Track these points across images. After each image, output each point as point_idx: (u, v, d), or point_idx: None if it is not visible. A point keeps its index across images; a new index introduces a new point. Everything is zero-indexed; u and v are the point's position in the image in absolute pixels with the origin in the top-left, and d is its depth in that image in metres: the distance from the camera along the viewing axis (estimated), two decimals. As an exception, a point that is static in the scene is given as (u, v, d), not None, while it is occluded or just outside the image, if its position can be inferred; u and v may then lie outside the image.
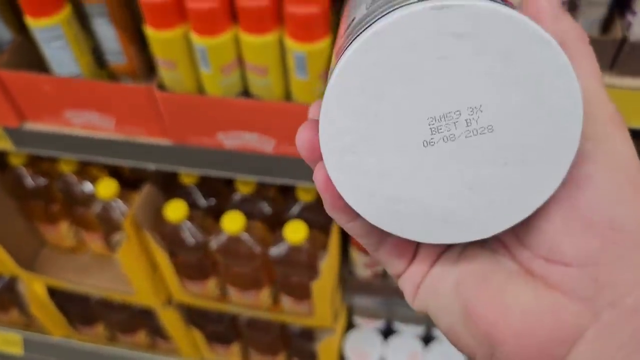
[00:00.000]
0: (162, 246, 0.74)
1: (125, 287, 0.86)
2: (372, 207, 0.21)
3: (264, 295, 0.80)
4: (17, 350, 1.03)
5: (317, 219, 0.75)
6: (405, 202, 0.21)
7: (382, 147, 0.20)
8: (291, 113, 0.55)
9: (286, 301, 0.80)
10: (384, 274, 0.83)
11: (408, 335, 0.97)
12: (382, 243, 0.24)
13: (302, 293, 0.77)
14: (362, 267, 0.81)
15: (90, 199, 0.80)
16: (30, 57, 0.62)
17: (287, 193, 0.79)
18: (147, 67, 0.62)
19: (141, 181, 0.79)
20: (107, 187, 0.76)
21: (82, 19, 0.58)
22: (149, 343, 1.01)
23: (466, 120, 0.19)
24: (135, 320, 0.96)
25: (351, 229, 0.23)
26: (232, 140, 0.60)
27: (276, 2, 0.50)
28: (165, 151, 0.64)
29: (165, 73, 0.57)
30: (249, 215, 0.72)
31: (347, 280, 0.83)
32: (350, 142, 0.20)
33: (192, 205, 0.76)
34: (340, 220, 0.23)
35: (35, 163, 0.82)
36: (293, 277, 0.75)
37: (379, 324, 0.98)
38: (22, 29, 0.61)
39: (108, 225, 0.80)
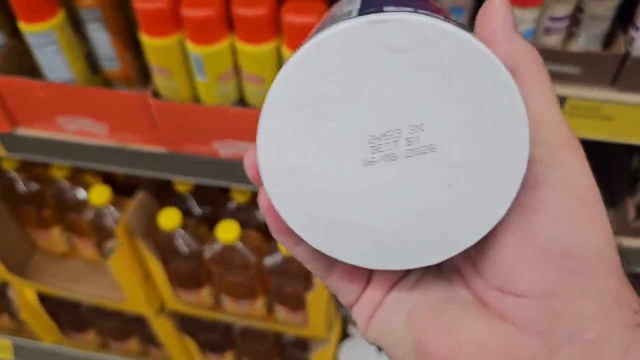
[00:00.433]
0: (155, 254, 0.74)
1: (117, 295, 0.85)
2: (314, 231, 0.20)
3: (259, 304, 0.79)
4: (7, 355, 1.02)
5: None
6: (348, 225, 0.20)
7: (322, 167, 0.19)
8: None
9: (281, 311, 0.79)
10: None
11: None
12: (331, 269, 0.23)
13: (296, 303, 0.76)
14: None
15: (82, 205, 0.79)
16: (23, 61, 0.61)
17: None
18: (142, 74, 0.61)
19: (135, 187, 0.78)
20: (99, 194, 0.75)
21: (76, 24, 0.57)
22: (141, 351, 1.00)
23: (407, 139, 0.19)
24: (127, 327, 0.95)
25: (297, 253, 0.22)
26: (227, 149, 0.59)
27: (273, 12, 0.49)
28: (160, 159, 0.63)
29: (160, 80, 0.56)
30: (244, 225, 0.71)
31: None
32: (288, 161, 0.19)
33: (187, 213, 0.75)
34: (285, 244, 0.22)
35: (27, 168, 0.81)
36: (288, 287, 0.74)
37: (374, 333, 0.97)
38: (15, 33, 0.60)
39: (100, 232, 0.79)
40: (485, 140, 0.18)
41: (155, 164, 0.64)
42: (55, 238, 0.88)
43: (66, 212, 0.82)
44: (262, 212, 0.21)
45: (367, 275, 0.23)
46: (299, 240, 0.21)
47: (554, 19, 0.48)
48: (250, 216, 0.76)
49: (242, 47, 0.50)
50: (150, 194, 0.77)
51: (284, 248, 0.22)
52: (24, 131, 0.65)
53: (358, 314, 0.23)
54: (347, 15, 0.18)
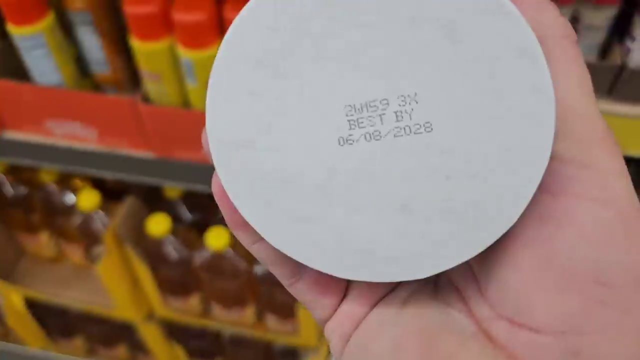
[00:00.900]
0: (144, 261, 0.73)
1: (105, 300, 0.84)
2: (275, 226, 0.16)
3: (249, 312, 0.78)
4: (-7, 361, 1.00)
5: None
6: (318, 221, 0.15)
7: (285, 144, 0.15)
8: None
9: (271, 319, 0.78)
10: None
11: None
12: (299, 275, 0.18)
13: (287, 311, 0.75)
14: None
15: (71, 209, 0.78)
16: (13, 64, 0.60)
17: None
18: (132, 78, 0.60)
19: (124, 192, 0.77)
20: (88, 199, 0.74)
21: (65, 27, 0.56)
22: (129, 357, 0.99)
23: (396, 113, 0.15)
24: (115, 333, 0.94)
25: (257, 253, 0.18)
26: (218, 155, 0.59)
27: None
28: (150, 164, 0.62)
29: (150, 85, 0.55)
30: (234, 232, 0.70)
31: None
32: (244, 132, 0.15)
33: (176, 219, 0.74)
34: (243, 240, 0.18)
35: (15, 171, 0.80)
36: (278, 295, 0.73)
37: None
38: (4, 35, 0.59)
39: (89, 237, 0.78)
40: (497, 122, 0.14)
41: (145, 170, 0.63)
42: (43, 242, 0.87)
43: (54, 216, 0.81)
44: (215, 198, 0.17)
45: (343, 286, 0.18)
46: (258, 237, 0.17)
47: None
48: (241, 223, 0.75)
49: (234, 52, 0.49)
50: (140, 200, 0.76)
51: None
52: (12, 134, 0.64)
53: (332, 332, 0.18)
54: None
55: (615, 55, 0.49)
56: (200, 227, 0.74)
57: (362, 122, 0.15)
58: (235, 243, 0.70)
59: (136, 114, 0.57)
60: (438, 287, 0.18)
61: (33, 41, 0.54)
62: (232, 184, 0.16)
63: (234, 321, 0.79)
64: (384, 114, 0.15)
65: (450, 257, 0.15)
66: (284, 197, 0.15)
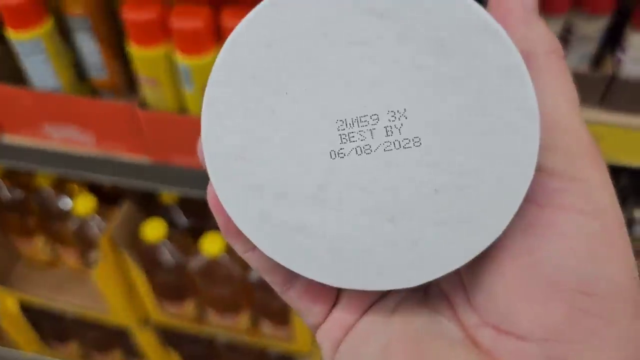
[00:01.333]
0: (139, 266, 0.73)
1: (100, 305, 0.84)
2: (268, 235, 0.16)
3: (243, 318, 0.78)
4: (-13, 365, 1.00)
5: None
6: (310, 231, 0.16)
7: (278, 155, 0.16)
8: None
9: (266, 325, 0.78)
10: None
11: None
12: (291, 282, 0.19)
13: (282, 317, 0.75)
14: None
15: (67, 214, 0.78)
16: (12, 67, 0.61)
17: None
18: (129, 83, 0.60)
19: (121, 196, 0.77)
20: (84, 204, 0.74)
21: (64, 33, 0.57)
22: (124, 362, 0.99)
23: (386, 128, 0.15)
24: (110, 339, 0.94)
25: (251, 261, 0.18)
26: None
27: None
28: (147, 170, 0.62)
29: (147, 90, 0.55)
30: (230, 237, 0.71)
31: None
32: (238, 144, 0.16)
33: (172, 224, 0.75)
34: (237, 248, 0.18)
35: (12, 175, 0.80)
36: (273, 301, 0.73)
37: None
38: (2, 40, 0.60)
39: (85, 242, 0.78)
40: (484, 137, 0.15)
41: (142, 175, 0.63)
42: (39, 247, 0.87)
43: (50, 221, 0.81)
44: (210, 207, 0.18)
45: (334, 293, 0.19)
46: (252, 245, 0.18)
47: (543, 39, 0.49)
48: (236, 229, 0.75)
49: (231, 59, 0.50)
50: (136, 205, 0.76)
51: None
52: (10, 138, 0.64)
53: (323, 338, 0.19)
54: None
55: (607, 66, 0.49)
56: (196, 233, 0.74)
57: (353, 137, 0.15)
58: (230, 249, 0.70)
59: (133, 119, 0.57)
60: (428, 294, 0.18)
61: (32, 46, 0.55)
62: (226, 194, 0.16)
63: (229, 327, 0.79)
64: (374, 128, 0.15)
65: (438, 267, 0.16)
66: (277, 207, 0.16)
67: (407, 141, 0.15)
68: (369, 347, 0.18)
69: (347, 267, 0.16)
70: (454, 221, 0.16)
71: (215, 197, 0.17)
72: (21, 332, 0.94)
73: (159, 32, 0.50)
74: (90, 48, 0.57)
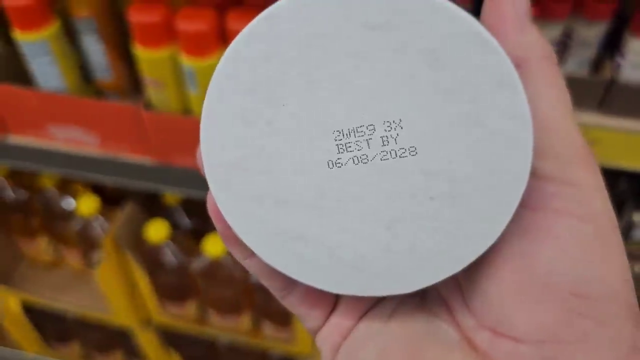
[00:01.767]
0: (142, 266, 0.73)
1: (103, 306, 0.85)
2: (267, 243, 0.17)
3: (245, 319, 0.78)
4: (-12, 365, 1.00)
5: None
6: (308, 238, 0.16)
7: (276, 165, 0.16)
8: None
9: (267, 327, 0.78)
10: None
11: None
12: (290, 288, 0.19)
13: (283, 319, 0.75)
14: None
15: (70, 214, 0.79)
16: (18, 68, 0.61)
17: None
18: (135, 84, 0.61)
19: (124, 197, 0.77)
20: (87, 204, 0.74)
21: (69, 34, 0.58)
22: (125, 363, 0.99)
23: (382, 137, 0.15)
24: (111, 340, 0.94)
25: (250, 267, 0.19)
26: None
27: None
28: (151, 171, 0.63)
29: (152, 92, 0.56)
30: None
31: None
32: (237, 155, 0.16)
33: (175, 225, 0.75)
34: (236, 255, 0.19)
35: (16, 175, 0.81)
36: (274, 303, 0.73)
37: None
38: (9, 41, 0.61)
39: (88, 242, 0.79)
40: (478, 145, 0.15)
41: (146, 176, 0.64)
42: (42, 247, 0.87)
43: (54, 221, 0.81)
44: (210, 215, 0.18)
45: (333, 299, 0.19)
46: (251, 252, 0.18)
47: (543, 44, 0.49)
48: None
49: (235, 61, 0.51)
50: (139, 206, 0.77)
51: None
52: (15, 139, 0.65)
53: (322, 342, 0.19)
54: None
55: (606, 71, 0.50)
56: (199, 234, 0.74)
57: (350, 147, 0.16)
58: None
59: (138, 120, 0.57)
60: (425, 298, 0.19)
61: (38, 48, 0.56)
62: (225, 203, 0.16)
63: (231, 328, 0.79)
64: (370, 138, 0.16)
65: (434, 273, 0.16)
66: (275, 216, 0.16)
67: (403, 150, 0.16)
68: (368, 350, 0.18)
69: (345, 274, 0.17)
70: (450, 228, 0.16)
71: (215, 204, 0.17)
72: (23, 333, 0.94)
73: (165, 34, 0.51)
74: (95, 50, 0.57)
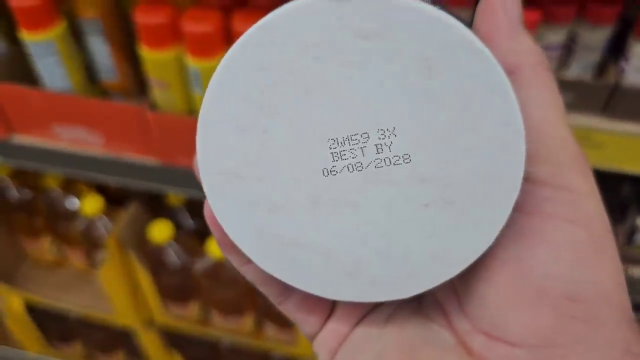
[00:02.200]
0: (145, 267, 0.73)
1: (105, 306, 0.85)
2: (263, 250, 0.17)
3: (248, 321, 0.78)
4: (-9, 365, 1.00)
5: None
6: (303, 245, 0.16)
7: (272, 173, 0.16)
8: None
9: (270, 328, 0.78)
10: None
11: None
12: (287, 294, 0.19)
13: (286, 321, 0.75)
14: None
15: (74, 214, 0.79)
16: (23, 68, 0.62)
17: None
18: (140, 85, 0.61)
19: (127, 197, 0.78)
20: (91, 204, 0.75)
21: (75, 35, 0.58)
22: (127, 364, 0.99)
23: (376, 145, 0.16)
24: (114, 340, 0.94)
25: (247, 274, 0.19)
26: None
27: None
28: (154, 171, 0.63)
29: (157, 92, 0.56)
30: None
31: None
32: (233, 163, 0.16)
33: (178, 226, 0.75)
34: (233, 262, 0.19)
35: (20, 175, 0.81)
36: (276, 304, 0.74)
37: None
38: (15, 41, 0.61)
39: (91, 242, 0.79)
40: (471, 152, 0.15)
41: (150, 176, 0.64)
42: (45, 247, 0.87)
43: (57, 221, 0.82)
44: (207, 222, 0.18)
45: (329, 304, 0.19)
46: (247, 259, 0.18)
47: (548, 48, 0.49)
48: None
49: (240, 63, 0.51)
50: (143, 206, 0.77)
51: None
52: (20, 138, 0.65)
53: (320, 347, 0.19)
54: None
55: (610, 75, 0.50)
56: (202, 235, 0.74)
57: (344, 155, 0.16)
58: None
59: (143, 120, 0.58)
60: (422, 303, 0.19)
61: (44, 48, 0.56)
62: (221, 210, 0.17)
63: (233, 329, 0.80)
64: (365, 146, 0.16)
65: (430, 279, 0.16)
66: (271, 223, 0.16)
67: (397, 158, 0.16)
68: (364, 355, 0.18)
69: (341, 280, 0.17)
70: (444, 234, 0.16)
71: (212, 213, 0.17)
72: (25, 332, 0.94)
73: (170, 35, 0.51)
74: (101, 50, 0.58)
